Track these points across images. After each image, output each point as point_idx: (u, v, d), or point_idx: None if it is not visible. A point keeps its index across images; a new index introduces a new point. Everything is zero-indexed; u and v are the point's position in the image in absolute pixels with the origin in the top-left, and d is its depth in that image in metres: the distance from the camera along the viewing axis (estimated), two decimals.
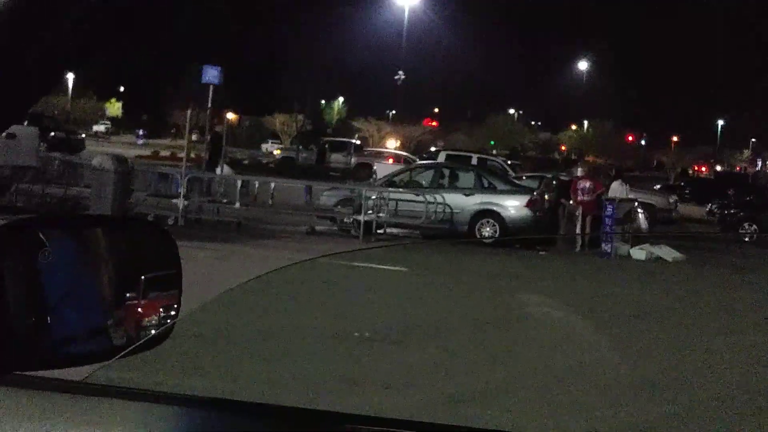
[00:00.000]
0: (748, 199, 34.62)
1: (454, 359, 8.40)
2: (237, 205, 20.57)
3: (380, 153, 52.75)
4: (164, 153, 54.49)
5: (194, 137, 38.96)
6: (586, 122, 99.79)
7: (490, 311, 11.42)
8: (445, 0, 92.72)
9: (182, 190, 19.77)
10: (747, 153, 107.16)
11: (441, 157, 36.05)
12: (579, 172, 22.14)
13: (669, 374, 8.28)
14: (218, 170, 23.19)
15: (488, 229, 20.27)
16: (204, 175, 22.85)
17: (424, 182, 21.68)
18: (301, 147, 60.30)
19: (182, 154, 25.87)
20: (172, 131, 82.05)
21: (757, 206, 30.55)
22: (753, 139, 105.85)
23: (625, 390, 7.60)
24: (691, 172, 79.15)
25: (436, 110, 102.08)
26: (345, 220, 20.76)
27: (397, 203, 20.49)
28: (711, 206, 36.17)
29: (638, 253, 18.96)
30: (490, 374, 7.92)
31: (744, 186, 46.85)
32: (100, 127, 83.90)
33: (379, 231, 20.14)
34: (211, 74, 24.37)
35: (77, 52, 1.34)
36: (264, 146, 74.58)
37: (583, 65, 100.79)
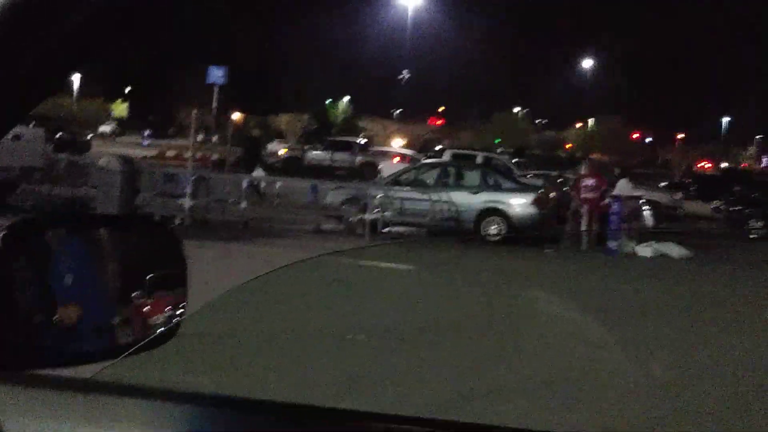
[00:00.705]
0: (753, 195, 34.52)
1: (463, 357, 8.39)
2: (243, 204, 20.61)
3: (386, 152, 52.65)
4: (170, 153, 54.55)
5: (199, 137, 39.08)
6: (591, 120, 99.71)
7: (498, 309, 11.40)
8: None
9: (188, 190, 19.81)
10: (752, 150, 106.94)
11: (446, 156, 36.07)
12: (583, 169, 22.08)
13: (677, 372, 8.27)
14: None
15: (494, 227, 20.26)
16: (210, 175, 22.95)
17: (429, 181, 21.68)
18: (307, 146, 60.26)
19: (188, 154, 25.92)
20: (170, 131, 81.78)
21: (764, 203, 30.47)
22: (758, 136, 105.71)
23: (633, 387, 7.60)
24: (696, 168, 78.99)
25: (442, 109, 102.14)
26: (351, 219, 20.77)
27: (402, 202, 20.50)
28: (717, 203, 36.08)
29: (644, 250, 18.92)
30: (498, 372, 7.91)
31: (749, 183, 46.72)
32: (106, 128, 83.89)
33: (384, 230, 20.15)
34: (216, 74, 24.46)
35: (79, 52, 1.34)
36: (270, 146, 74.58)
37: (588, 63, 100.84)
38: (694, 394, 7.54)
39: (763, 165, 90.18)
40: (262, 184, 23.45)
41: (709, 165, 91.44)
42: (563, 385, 7.62)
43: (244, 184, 21.39)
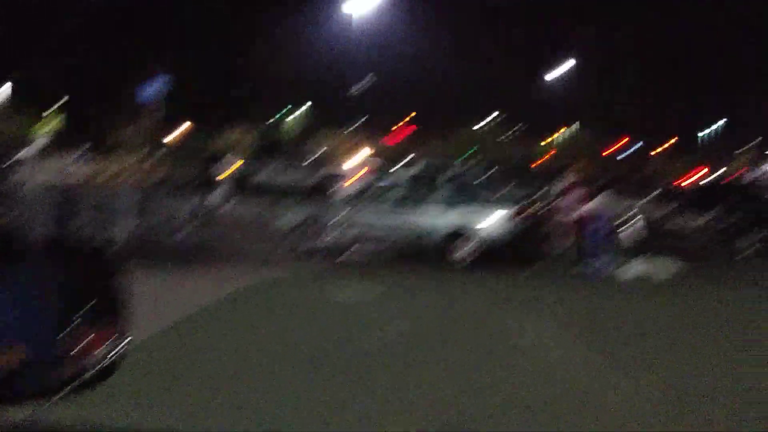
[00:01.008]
0: (751, 207, 34.69)
1: (435, 387, 8.48)
2: (191, 227, 20.55)
3: (345, 168, 52.48)
4: (109, 171, 54.13)
5: (142, 153, 38.90)
6: (572, 128, 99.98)
7: (465, 335, 11.49)
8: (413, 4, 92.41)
9: (130, 212, 19.72)
10: (748, 156, 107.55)
11: (412, 170, 36.00)
12: (565, 182, 22.17)
13: (670, 395, 8.41)
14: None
15: (464, 248, 20.04)
16: (159, 196, 22.90)
17: (392, 199, 21.34)
18: (259, 162, 59.99)
19: (129, 173, 25.82)
20: (107, 147, 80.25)
21: (760, 215, 30.68)
22: (754, 142, 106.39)
23: (625, 414, 7.73)
24: (686, 178, 79.42)
25: (408, 118, 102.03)
26: (306, 242, 20.69)
27: (363, 222, 20.34)
28: (710, 215, 36.21)
29: (631, 269, 19.02)
30: (469, 401, 8.01)
31: (745, 193, 46.99)
32: (34, 147, 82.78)
33: (343, 254, 20.05)
34: (153, 89, 24.38)
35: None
36: (219, 162, 73.99)
37: (569, 64, 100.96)
38: (692, 415, 7.70)
39: (760, 173, 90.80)
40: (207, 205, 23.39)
41: (705, 171, 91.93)
42: (546, 411, 7.76)
43: (193, 207, 21.31)
